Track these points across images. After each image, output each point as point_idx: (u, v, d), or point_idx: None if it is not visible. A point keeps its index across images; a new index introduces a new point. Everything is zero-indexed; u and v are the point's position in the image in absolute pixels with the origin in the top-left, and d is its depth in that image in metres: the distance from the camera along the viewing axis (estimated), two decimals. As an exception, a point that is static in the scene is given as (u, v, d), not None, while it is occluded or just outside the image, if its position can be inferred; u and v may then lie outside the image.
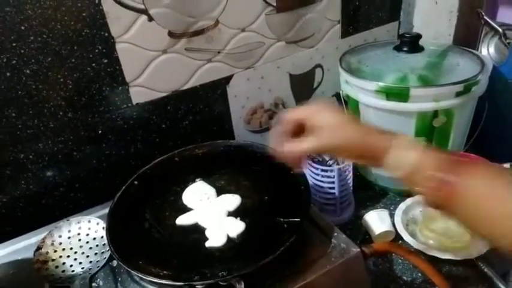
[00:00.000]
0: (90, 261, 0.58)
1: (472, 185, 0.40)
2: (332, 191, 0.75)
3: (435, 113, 0.73)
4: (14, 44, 0.59)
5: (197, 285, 0.48)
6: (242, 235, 0.56)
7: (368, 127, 0.48)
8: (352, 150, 0.47)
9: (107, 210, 0.61)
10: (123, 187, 0.64)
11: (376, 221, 0.74)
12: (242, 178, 0.66)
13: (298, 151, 0.49)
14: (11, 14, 0.58)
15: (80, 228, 0.63)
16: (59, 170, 0.70)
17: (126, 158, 0.76)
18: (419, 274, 0.67)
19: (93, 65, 0.66)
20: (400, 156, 0.43)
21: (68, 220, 0.63)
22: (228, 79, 0.81)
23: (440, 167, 0.41)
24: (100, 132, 0.72)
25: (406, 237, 0.71)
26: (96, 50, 0.66)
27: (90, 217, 0.64)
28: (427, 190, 0.42)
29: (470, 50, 0.82)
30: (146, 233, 0.58)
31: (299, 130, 0.49)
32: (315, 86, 0.94)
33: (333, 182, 0.74)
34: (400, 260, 0.70)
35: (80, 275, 0.56)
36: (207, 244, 0.55)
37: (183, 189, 0.65)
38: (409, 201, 0.78)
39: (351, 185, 0.79)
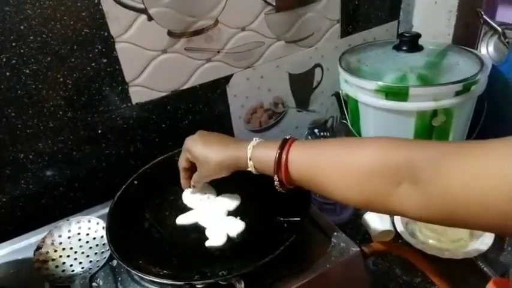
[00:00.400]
0: (90, 261, 0.58)
1: (295, 155, 0.48)
2: (332, 190, 0.75)
3: (434, 112, 0.73)
4: (13, 44, 0.59)
5: (197, 284, 0.48)
6: (242, 234, 0.56)
7: (225, 145, 0.55)
8: (222, 170, 0.55)
9: (106, 210, 0.61)
10: (123, 187, 0.64)
11: (376, 220, 0.74)
12: (242, 177, 0.65)
13: (197, 181, 0.61)
14: (11, 14, 0.58)
15: (79, 228, 0.63)
16: (59, 169, 0.71)
17: (126, 158, 0.76)
18: (419, 273, 0.67)
19: (93, 64, 0.66)
20: (255, 165, 0.52)
21: (67, 220, 0.63)
22: (227, 79, 0.81)
23: (274, 150, 0.49)
24: (100, 131, 0.72)
25: (406, 236, 0.71)
26: (96, 50, 0.66)
27: (90, 217, 0.64)
28: (275, 175, 0.49)
29: (469, 49, 0.82)
30: (146, 232, 0.58)
31: (192, 167, 0.60)
32: (314, 85, 0.94)
33: (333, 182, 0.74)
34: (399, 260, 0.70)
35: (80, 274, 0.56)
36: (207, 243, 0.55)
37: (182, 189, 0.65)
38: (408, 200, 0.78)
39: (350, 184, 0.79)
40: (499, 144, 0.34)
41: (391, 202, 0.41)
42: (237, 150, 0.53)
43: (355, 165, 0.43)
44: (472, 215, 0.35)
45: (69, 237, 0.62)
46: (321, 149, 0.48)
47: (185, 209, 0.62)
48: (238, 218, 0.58)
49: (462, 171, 0.35)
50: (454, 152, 0.37)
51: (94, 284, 0.55)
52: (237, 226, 0.57)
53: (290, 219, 0.56)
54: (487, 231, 0.62)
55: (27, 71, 0.62)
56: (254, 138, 0.53)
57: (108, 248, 0.58)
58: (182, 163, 0.61)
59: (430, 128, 0.75)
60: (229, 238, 0.55)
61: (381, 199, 0.41)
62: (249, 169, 0.52)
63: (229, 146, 0.55)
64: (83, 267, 0.58)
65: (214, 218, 0.59)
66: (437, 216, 0.38)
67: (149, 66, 0.71)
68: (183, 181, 0.62)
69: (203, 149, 0.56)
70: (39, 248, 0.59)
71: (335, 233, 0.58)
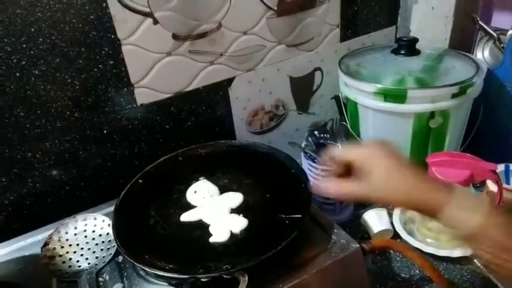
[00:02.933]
0: (97, 257, 0.60)
1: None
2: (332, 190, 0.77)
3: (432, 114, 0.75)
4: (24, 45, 0.61)
5: (202, 278, 0.49)
6: (245, 231, 0.57)
7: (424, 179, 0.45)
8: (405, 203, 0.46)
9: (111, 209, 0.62)
10: (128, 185, 0.65)
11: (375, 220, 0.75)
12: (244, 176, 0.67)
13: (347, 193, 0.48)
14: (22, 16, 0.59)
15: (86, 225, 0.64)
16: (65, 169, 0.72)
17: (130, 158, 0.77)
18: (417, 271, 0.68)
19: (100, 66, 0.68)
20: (458, 217, 0.42)
21: (74, 217, 0.64)
22: (230, 81, 0.82)
23: (501, 234, 0.40)
24: (105, 132, 0.73)
25: (404, 235, 0.72)
26: (103, 52, 0.67)
27: (96, 214, 0.65)
28: (486, 255, 0.41)
29: (465, 53, 0.84)
30: (151, 229, 0.59)
31: (346, 169, 0.49)
32: (314, 88, 0.96)
33: (333, 182, 0.75)
34: (398, 258, 0.71)
35: (87, 270, 0.58)
36: (211, 240, 0.56)
37: (186, 188, 0.66)
38: (406, 200, 0.80)
39: (350, 184, 0.80)
40: None
41: None
42: (440, 193, 0.44)
43: None
44: None
45: (75, 234, 0.63)
46: None
47: (189, 206, 0.63)
48: (241, 215, 0.60)
49: None
50: None
51: (100, 279, 0.56)
52: (240, 223, 0.58)
53: (291, 216, 0.57)
54: None
55: (37, 72, 0.63)
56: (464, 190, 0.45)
57: (113, 244, 0.59)
58: (349, 156, 0.49)
59: (428, 130, 0.77)
60: (232, 234, 0.57)
61: None
62: (444, 220, 0.44)
63: (427, 180, 0.46)
64: (89, 263, 0.59)
65: (218, 215, 0.60)
66: None
67: (154, 68, 0.73)
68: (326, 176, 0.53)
69: (397, 171, 0.46)
70: (46, 244, 0.61)
71: (335, 230, 0.59)
